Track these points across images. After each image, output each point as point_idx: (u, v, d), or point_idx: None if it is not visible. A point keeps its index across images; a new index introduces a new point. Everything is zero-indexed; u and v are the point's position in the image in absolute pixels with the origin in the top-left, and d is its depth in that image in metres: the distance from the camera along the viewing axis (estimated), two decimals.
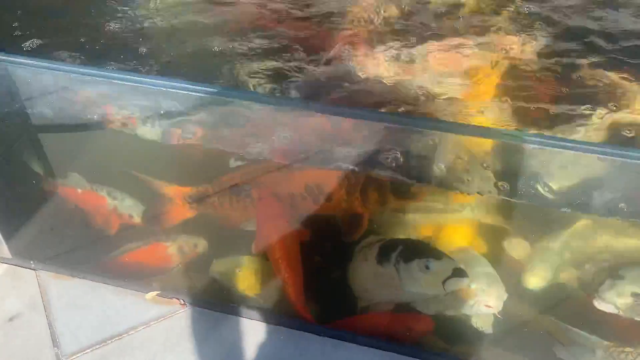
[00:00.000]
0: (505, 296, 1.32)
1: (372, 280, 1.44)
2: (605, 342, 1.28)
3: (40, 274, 1.65)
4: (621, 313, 1.22)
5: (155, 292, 1.59)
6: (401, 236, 1.47)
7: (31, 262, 1.66)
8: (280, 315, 1.53)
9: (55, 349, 1.47)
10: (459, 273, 1.26)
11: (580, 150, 1.04)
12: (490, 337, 1.40)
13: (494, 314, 1.32)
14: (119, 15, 1.68)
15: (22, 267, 1.66)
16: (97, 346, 1.48)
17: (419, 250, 1.36)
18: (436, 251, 1.33)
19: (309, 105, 1.23)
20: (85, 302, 1.58)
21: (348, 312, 1.52)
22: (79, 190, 1.61)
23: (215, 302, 1.57)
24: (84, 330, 1.51)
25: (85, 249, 1.67)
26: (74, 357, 1.46)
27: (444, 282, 1.26)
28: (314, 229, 1.50)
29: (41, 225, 1.69)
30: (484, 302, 1.31)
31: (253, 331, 1.51)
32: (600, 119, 1.30)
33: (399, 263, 1.35)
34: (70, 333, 1.51)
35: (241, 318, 1.54)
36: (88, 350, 1.47)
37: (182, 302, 1.58)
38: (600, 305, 1.23)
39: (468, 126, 1.20)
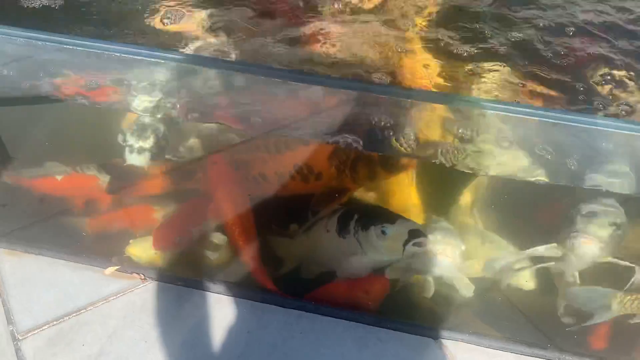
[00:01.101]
0: (462, 246, 1.31)
1: (337, 252, 1.42)
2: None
3: None
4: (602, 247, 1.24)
5: (114, 267, 1.56)
6: (356, 203, 1.45)
7: None
8: (242, 288, 1.52)
9: (10, 326, 1.43)
10: (416, 234, 1.24)
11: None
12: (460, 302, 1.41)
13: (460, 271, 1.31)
14: None
15: None
16: (55, 322, 1.44)
17: (374, 216, 1.33)
18: (389, 215, 1.31)
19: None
20: (40, 279, 1.53)
21: (315, 284, 1.52)
22: (59, 178, 1.53)
23: (176, 276, 1.55)
24: (40, 307, 1.47)
25: (43, 225, 1.61)
26: (30, 333, 1.42)
27: (404, 245, 1.24)
28: (278, 201, 1.49)
29: None
30: (439, 252, 1.29)
31: (216, 304, 1.50)
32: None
33: (358, 232, 1.33)
34: (26, 310, 1.46)
35: (203, 292, 1.52)
36: (45, 327, 1.43)
37: (143, 276, 1.55)
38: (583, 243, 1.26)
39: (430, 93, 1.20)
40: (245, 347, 1.41)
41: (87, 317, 1.46)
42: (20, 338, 1.41)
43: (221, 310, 1.49)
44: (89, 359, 1.38)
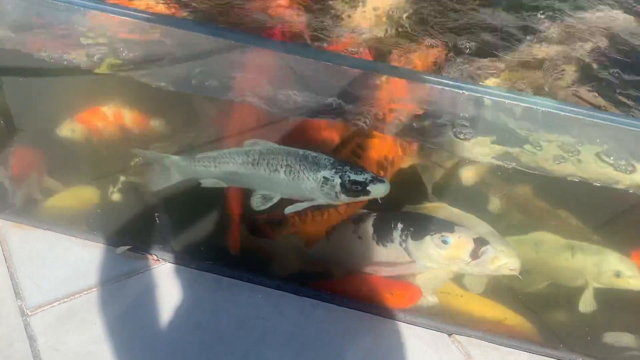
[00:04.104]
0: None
1: (375, 258, 1.40)
2: None
3: None
4: None
5: (126, 247, 1.52)
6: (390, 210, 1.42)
7: None
8: (258, 275, 1.50)
9: (19, 301, 1.38)
10: (481, 242, 1.24)
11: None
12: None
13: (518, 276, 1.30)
14: None
15: None
16: (65, 299, 1.40)
17: (425, 225, 1.31)
18: (443, 223, 1.29)
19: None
20: (50, 255, 1.49)
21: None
22: None
23: (187, 258, 1.52)
24: (50, 283, 1.43)
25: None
26: (40, 309, 1.38)
27: (470, 253, 1.24)
28: None
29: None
30: (508, 266, 1.27)
31: (231, 289, 1.48)
32: None
33: (406, 241, 1.31)
34: (35, 285, 1.42)
35: (217, 276, 1.50)
36: (55, 303, 1.39)
37: (156, 257, 1.52)
38: None
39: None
40: (262, 333, 1.39)
41: (98, 295, 1.43)
42: (30, 314, 1.37)
43: (236, 295, 1.47)
44: (101, 338, 1.35)
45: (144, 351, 1.35)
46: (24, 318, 1.36)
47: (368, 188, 1.20)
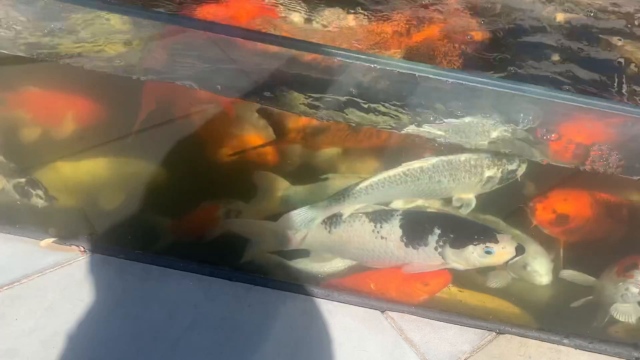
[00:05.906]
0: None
1: (399, 259, 1.37)
2: None
3: None
4: None
5: (50, 239, 1.47)
6: (421, 213, 1.38)
7: None
8: (188, 262, 1.48)
9: None
10: (521, 250, 1.25)
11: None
12: None
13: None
14: None
15: None
16: None
17: (467, 233, 1.29)
18: (487, 230, 1.28)
19: None
20: None
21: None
22: None
23: (118, 248, 1.48)
24: None
25: None
26: None
27: (508, 261, 1.26)
28: None
29: None
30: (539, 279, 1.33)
31: (161, 278, 1.45)
32: None
33: (444, 247, 1.29)
34: None
35: (147, 265, 1.47)
36: None
37: (82, 249, 1.47)
38: None
39: None
40: (193, 320, 1.37)
41: (20, 290, 1.38)
42: None
43: (166, 284, 1.44)
44: (23, 334, 1.30)
45: (71, 345, 1.31)
46: None
47: (517, 172, 1.26)
